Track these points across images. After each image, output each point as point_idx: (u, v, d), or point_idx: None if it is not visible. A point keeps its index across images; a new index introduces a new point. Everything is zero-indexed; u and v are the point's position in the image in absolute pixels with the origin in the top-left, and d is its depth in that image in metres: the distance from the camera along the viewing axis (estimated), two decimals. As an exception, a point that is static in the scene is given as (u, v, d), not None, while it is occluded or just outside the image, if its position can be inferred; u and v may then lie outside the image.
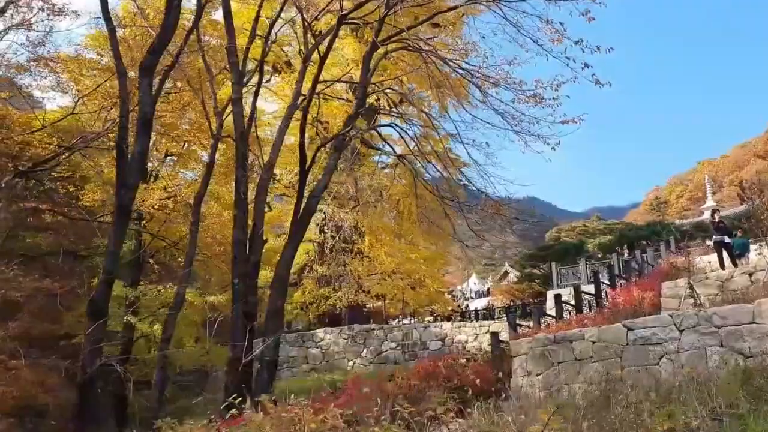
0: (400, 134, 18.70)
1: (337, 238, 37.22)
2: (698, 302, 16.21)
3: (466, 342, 31.06)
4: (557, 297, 19.75)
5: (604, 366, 11.61)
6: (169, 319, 15.76)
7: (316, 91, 17.72)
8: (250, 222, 16.31)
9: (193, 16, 17.85)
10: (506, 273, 66.11)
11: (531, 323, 19.95)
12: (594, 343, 11.94)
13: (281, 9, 15.75)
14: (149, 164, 23.49)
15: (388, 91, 33.18)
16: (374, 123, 40.12)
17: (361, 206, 37.52)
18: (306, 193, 15.95)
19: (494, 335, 16.94)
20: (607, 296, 21.09)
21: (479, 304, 54.20)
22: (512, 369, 13.13)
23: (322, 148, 16.03)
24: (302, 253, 40.51)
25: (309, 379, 31.71)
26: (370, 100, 37.42)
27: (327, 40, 15.65)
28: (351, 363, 33.23)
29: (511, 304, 42.81)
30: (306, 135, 21.21)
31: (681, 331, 10.99)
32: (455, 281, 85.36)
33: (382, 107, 36.19)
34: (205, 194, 17.07)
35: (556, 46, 15.78)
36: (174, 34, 13.64)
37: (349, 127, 14.71)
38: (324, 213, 37.48)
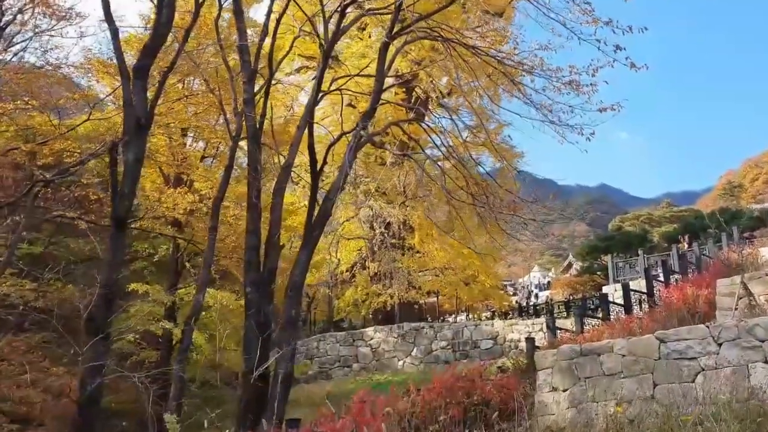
0: (425, 130, 17.67)
1: (386, 234, 36.40)
2: (754, 303, 14.76)
3: (519, 341, 29.82)
4: (603, 296, 18.53)
5: (634, 383, 10.44)
6: (185, 329, 15.27)
7: (338, 87, 16.96)
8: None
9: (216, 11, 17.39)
10: (570, 264, 63.93)
11: (581, 324, 18.72)
12: (623, 356, 10.76)
13: (287, 4, 14.97)
14: (181, 168, 23.21)
15: (437, 83, 32.19)
16: (424, 117, 39.25)
17: (409, 201, 36.65)
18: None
19: (530, 341, 15.81)
20: (659, 294, 19.65)
21: (541, 297, 52.54)
22: (537, 384, 12.04)
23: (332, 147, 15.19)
24: (353, 250, 40.02)
25: (358, 380, 31.16)
26: (418, 92, 36.70)
27: (340, 33, 14.87)
28: (401, 362, 32.49)
29: (571, 298, 41.08)
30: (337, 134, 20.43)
31: (719, 345, 9.71)
32: (520, 272, 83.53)
33: (430, 99, 35.29)
34: (223, 198, 16.50)
35: (587, 27, 14.52)
36: (168, 33, 13.07)
37: (356, 126, 13.84)
38: (372, 209, 36.77)
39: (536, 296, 58.57)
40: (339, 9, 13.84)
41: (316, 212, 14.19)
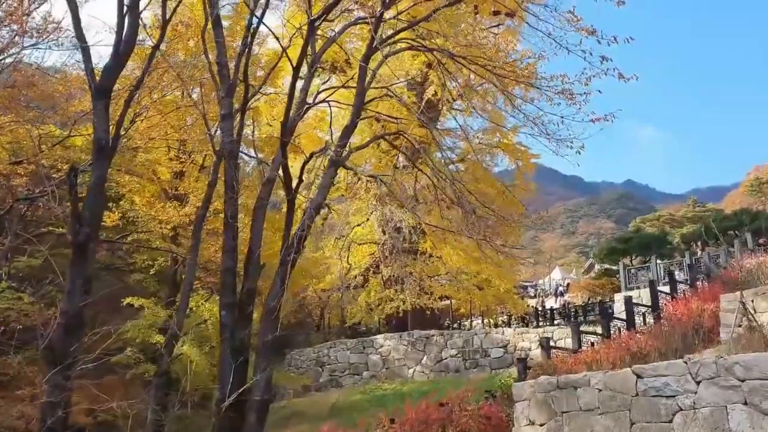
0: (411, 141, 17.02)
1: (397, 238, 35.77)
2: (754, 323, 14.01)
3: (529, 349, 29.09)
4: (603, 311, 17.77)
5: (611, 420, 9.81)
6: (164, 351, 14.90)
7: (325, 98, 16.46)
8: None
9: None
10: (592, 266, 62.53)
11: (578, 341, 18.01)
12: (600, 391, 10.12)
13: (263, 13, 14.48)
14: (175, 183, 22.96)
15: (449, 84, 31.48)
16: (437, 120, 38.54)
17: (421, 205, 35.95)
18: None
19: (521, 361, 15.15)
20: (665, 307, 18.89)
21: (560, 300, 51.33)
22: (515, 416, 11.45)
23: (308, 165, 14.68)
24: (366, 254, 39.49)
25: (367, 388, 30.73)
26: (428, 95, 36.10)
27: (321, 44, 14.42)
28: (411, 371, 31.97)
29: (588, 302, 40.06)
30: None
31: (698, 383, 9.02)
32: (545, 273, 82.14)
33: (442, 103, 34.61)
34: (206, 215, 16.09)
35: (573, 36, 13.87)
36: (131, 53, 12.63)
37: (326, 146, 13.33)
38: (383, 214, 36.23)
39: (562, 294, 57.28)
40: (308, 23, 13.29)
41: (291, 234, 13.71)
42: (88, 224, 11.53)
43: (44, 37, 17.25)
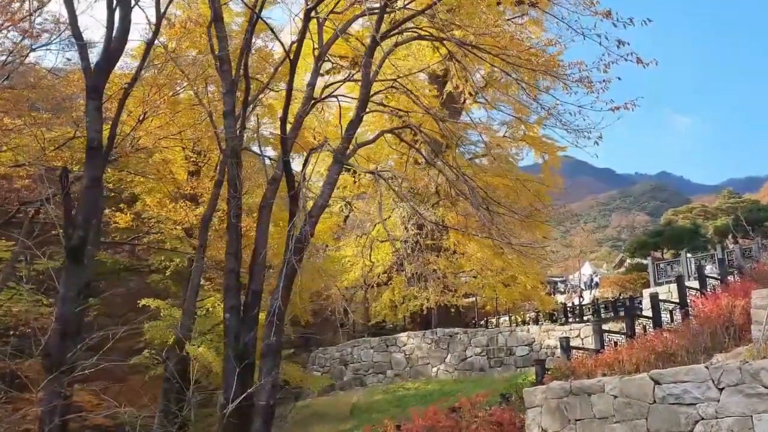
0: (420, 134, 16.41)
1: (420, 235, 35.20)
2: (786, 323, 13.19)
3: (555, 347, 28.24)
4: (627, 309, 17.01)
5: (627, 428, 9.16)
6: (169, 355, 14.56)
7: (331, 94, 15.99)
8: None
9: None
10: (623, 260, 61.12)
11: (600, 341, 17.27)
12: (615, 397, 9.47)
13: (260, 8, 14.02)
14: (189, 184, 22.70)
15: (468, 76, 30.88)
16: (460, 113, 37.87)
17: (443, 201, 35.37)
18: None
19: (539, 363, 14.48)
20: (693, 304, 18.06)
21: (590, 296, 50.18)
22: (526, 423, 10.84)
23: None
24: (389, 252, 38.96)
25: (390, 388, 30.25)
26: (448, 88, 35.50)
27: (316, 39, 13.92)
28: (435, 369, 31.37)
29: (618, 297, 39.01)
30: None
31: (720, 390, 8.35)
32: (576, 267, 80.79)
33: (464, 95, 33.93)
34: (212, 216, 15.72)
35: (587, 19, 13.23)
36: (122, 51, 12.23)
37: (324, 142, 12.82)
38: (405, 210, 35.70)
39: (597, 285, 56.16)
40: (304, 13, 12.80)
41: (295, 234, 13.23)
42: (82, 228, 11.18)
43: (50, 39, 17.06)
